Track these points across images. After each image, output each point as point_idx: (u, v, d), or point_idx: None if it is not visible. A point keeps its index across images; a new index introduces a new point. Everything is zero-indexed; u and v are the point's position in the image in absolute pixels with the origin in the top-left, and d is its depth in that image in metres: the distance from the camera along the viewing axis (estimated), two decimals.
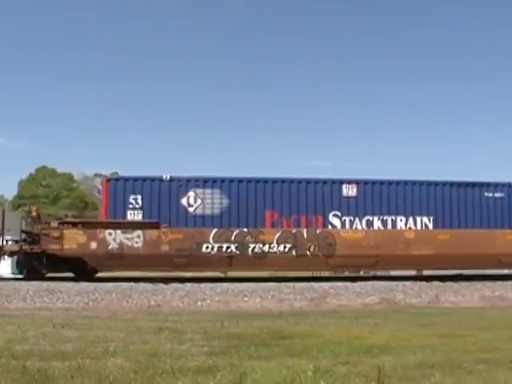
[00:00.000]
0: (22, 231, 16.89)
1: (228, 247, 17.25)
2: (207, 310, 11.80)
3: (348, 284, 15.45)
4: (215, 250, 17.18)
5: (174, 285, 15.00)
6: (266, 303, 12.39)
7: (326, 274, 21.02)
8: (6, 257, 17.85)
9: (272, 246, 17.43)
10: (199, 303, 12.49)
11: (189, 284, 15.28)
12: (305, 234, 17.64)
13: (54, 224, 17.07)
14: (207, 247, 17.16)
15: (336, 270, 18.94)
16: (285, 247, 17.48)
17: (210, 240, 17.18)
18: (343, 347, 6.17)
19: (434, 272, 19.68)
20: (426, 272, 20.47)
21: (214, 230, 17.25)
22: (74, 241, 16.72)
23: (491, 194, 18.71)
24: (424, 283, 15.82)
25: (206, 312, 11.27)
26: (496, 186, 18.94)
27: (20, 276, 17.98)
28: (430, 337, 7.03)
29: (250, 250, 17.32)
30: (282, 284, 15.12)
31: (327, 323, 8.80)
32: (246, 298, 12.83)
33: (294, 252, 17.50)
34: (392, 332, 7.57)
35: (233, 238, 17.29)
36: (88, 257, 16.78)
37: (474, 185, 18.91)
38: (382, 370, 4.52)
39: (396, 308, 11.72)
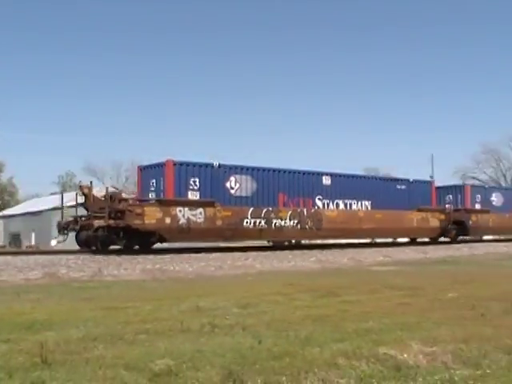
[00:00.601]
0: (108, 208, 18.28)
1: (259, 222, 21.87)
2: None
3: (9, 258, 15.29)
4: (251, 224, 21.61)
5: None
6: None
7: None
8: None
9: (286, 221, 22.74)
10: None
11: None
12: (305, 213, 23.44)
13: (132, 201, 19.00)
14: (247, 222, 21.47)
15: (323, 239, 25.17)
16: (293, 222, 22.99)
17: (249, 216, 21.53)
18: (4, 324, 6.02)
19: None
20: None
21: (251, 209, 21.63)
22: (152, 216, 19.03)
23: (399, 187, 27.55)
24: (87, 257, 16.69)
25: None
26: (402, 181, 27.89)
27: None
28: (93, 310, 7.06)
29: (273, 224, 22.29)
30: None
31: None
32: None
33: (299, 226, 23.16)
34: (55, 306, 7.54)
35: (262, 214, 21.97)
36: (163, 230, 19.33)
37: (391, 180, 27.49)
38: (44, 346, 4.52)
39: (59, 282, 11.48)
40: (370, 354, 4.60)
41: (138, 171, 21.98)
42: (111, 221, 18.34)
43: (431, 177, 45.56)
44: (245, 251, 19.85)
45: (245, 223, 21.43)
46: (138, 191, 22.04)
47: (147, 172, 21.31)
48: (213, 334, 5.51)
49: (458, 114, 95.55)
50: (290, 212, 22.93)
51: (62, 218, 19.38)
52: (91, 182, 19.80)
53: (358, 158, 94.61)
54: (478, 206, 30.81)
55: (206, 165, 20.89)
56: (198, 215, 20.18)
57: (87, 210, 19.43)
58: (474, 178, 66.82)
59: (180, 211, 19.72)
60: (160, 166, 20.42)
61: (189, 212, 19.92)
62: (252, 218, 21.64)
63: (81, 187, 19.49)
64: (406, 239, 30.17)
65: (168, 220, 19.41)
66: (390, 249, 23.09)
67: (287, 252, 20.09)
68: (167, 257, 17.02)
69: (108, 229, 18.36)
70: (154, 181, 20.74)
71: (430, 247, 24.66)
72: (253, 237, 22.46)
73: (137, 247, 19.71)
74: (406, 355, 4.62)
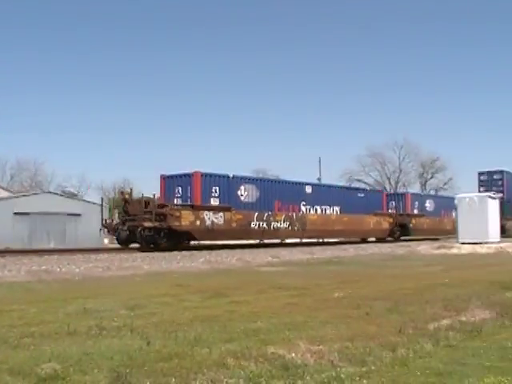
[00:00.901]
0: (156, 212, 21.69)
1: (262, 224, 26.18)
2: None
3: None
4: (257, 226, 25.87)
5: None
6: None
7: None
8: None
9: (281, 223, 27.24)
10: None
11: None
12: (294, 216, 28.08)
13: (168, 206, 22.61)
14: (253, 224, 25.70)
15: (307, 238, 29.85)
16: (286, 224, 27.55)
17: (254, 219, 25.77)
18: None
19: None
20: None
21: (256, 213, 25.88)
22: (187, 219, 22.71)
23: (360, 195, 33.05)
24: None
25: None
26: (361, 190, 33.43)
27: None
28: None
29: (271, 226, 26.69)
30: None
31: None
32: None
33: (290, 227, 27.75)
34: None
35: (264, 217, 26.30)
36: (194, 231, 23.06)
37: (353, 189, 32.93)
38: None
39: None
40: (258, 354, 4.63)
41: (160, 179, 25.38)
42: (156, 223, 21.83)
43: (319, 179, 50.79)
44: (132, 252, 19.92)
45: (252, 225, 25.67)
46: (160, 197, 25.40)
47: (171, 181, 24.83)
48: (100, 336, 5.43)
49: (345, 116, 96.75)
50: (283, 216, 27.48)
51: (102, 220, 22.41)
52: (131, 189, 23.03)
53: (248, 158, 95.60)
54: (415, 211, 37.21)
55: (224, 176, 24.89)
56: (219, 218, 24.14)
57: (127, 213, 22.68)
58: (359, 180, 68.01)
59: (206, 215, 23.58)
60: (187, 175, 24.09)
61: (212, 215, 23.83)
62: (257, 220, 25.93)
63: (122, 193, 22.71)
64: (357, 238, 35.79)
65: (198, 222, 23.20)
66: (278, 249, 23.51)
67: (176, 253, 19.76)
68: (53, 258, 16.97)
69: (154, 229, 21.82)
70: (179, 188, 24.34)
71: (317, 248, 24.94)
72: (257, 236, 26.73)
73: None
74: (293, 354, 4.66)
